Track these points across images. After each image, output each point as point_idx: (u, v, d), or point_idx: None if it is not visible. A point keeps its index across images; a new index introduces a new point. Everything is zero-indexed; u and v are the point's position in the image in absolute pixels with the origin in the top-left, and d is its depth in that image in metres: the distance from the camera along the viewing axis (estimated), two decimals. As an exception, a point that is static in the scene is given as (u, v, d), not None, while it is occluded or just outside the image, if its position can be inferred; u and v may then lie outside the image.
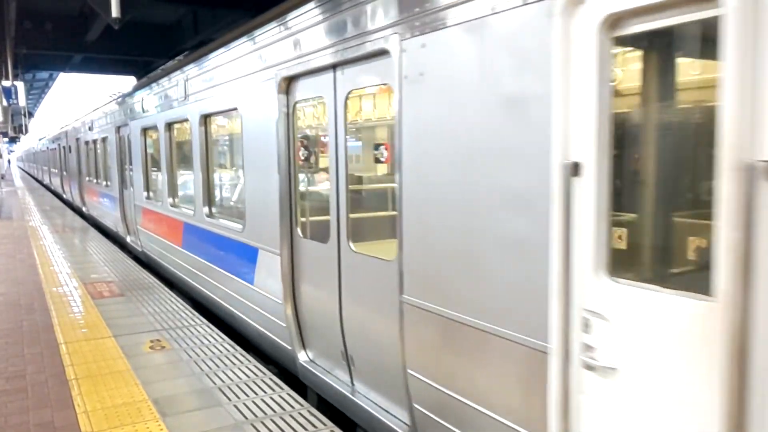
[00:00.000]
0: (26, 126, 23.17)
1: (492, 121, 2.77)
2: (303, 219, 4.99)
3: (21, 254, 10.66)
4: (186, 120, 7.63)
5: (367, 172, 5.17)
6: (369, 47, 3.70)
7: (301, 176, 5.02)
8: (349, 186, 4.24)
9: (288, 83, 4.84)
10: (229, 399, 4.36)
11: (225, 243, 6.45)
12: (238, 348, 5.48)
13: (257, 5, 11.37)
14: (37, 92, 43.79)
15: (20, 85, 20.88)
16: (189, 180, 8.18)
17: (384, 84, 3.82)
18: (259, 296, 5.57)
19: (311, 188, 5.08)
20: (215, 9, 14.22)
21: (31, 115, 28.23)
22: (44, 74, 32.22)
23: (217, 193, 7.52)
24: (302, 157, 4.88)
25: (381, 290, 3.86)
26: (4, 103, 20.89)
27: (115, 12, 7.18)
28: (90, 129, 15.94)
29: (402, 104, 3.41)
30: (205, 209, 7.15)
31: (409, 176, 3.40)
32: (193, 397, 4.40)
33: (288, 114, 4.87)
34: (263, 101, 5.18)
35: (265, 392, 4.47)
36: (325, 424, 3.96)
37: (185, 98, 7.55)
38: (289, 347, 5.09)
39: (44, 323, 6.33)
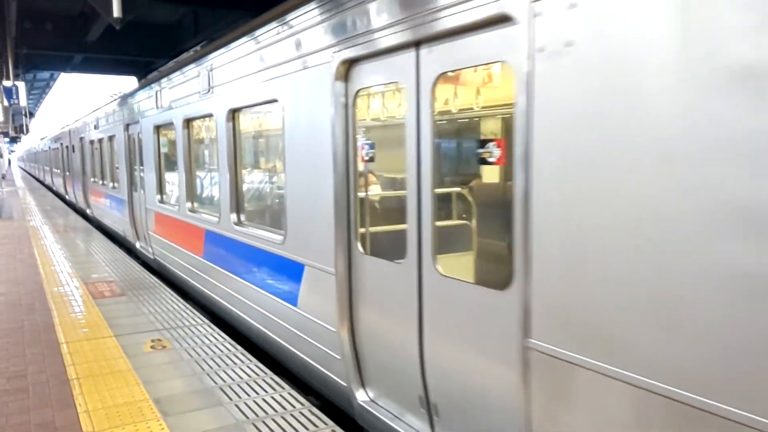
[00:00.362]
0: (27, 126, 23.21)
1: (711, 105, 1.98)
2: (364, 230, 4.19)
3: (22, 254, 10.66)
4: (209, 115, 6.82)
5: (456, 174, 4.09)
6: (473, 15, 2.89)
7: (361, 179, 4.23)
8: (436, 190, 3.37)
9: (348, 68, 4.03)
10: (230, 398, 4.36)
11: (259, 256, 5.63)
12: (239, 347, 5.48)
13: (257, 5, 11.39)
14: (37, 92, 43.85)
15: (21, 85, 20.94)
16: (212, 182, 7.55)
17: (497, 62, 2.96)
18: (305, 321, 4.79)
19: (378, 193, 4.43)
20: (215, 9, 14.24)
21: (31, 115, 28.24)
22: (45, 74, 32.27)
23: (248, 197, 6.65)
24: (366, 156, 4.06)
25: (487, 329, 3.04)
26: (5, 103, 20.95)
27: (116, 12, 7.17)
28: (96, 127, 15.13)
29: (533, 87, 2.61)
30: (233, 216, 6.29)
31: (548, 180, 2.58)
32: (194, 397, 4.40)
33: (347, 105, 4.06)
34: (313, 90, 4.42)
35: (266, 392, 4.47)
36: (326, 424, 3.95)
37: (209, 91, 6.70)
38: (344, 383, 4.32)
39: (45, 323, 6.34)
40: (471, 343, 3.18)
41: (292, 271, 4.94)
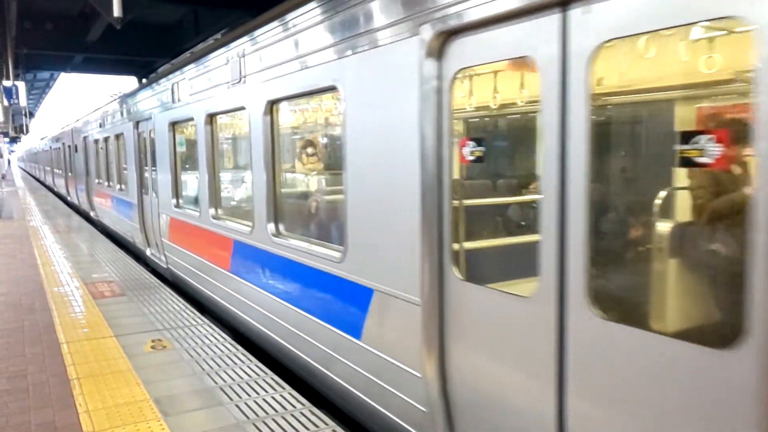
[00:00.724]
0: (27, 126, 23.22)
1: None
2: (460, 246, 3.30)
3: (22, 254, 10.66)
4: (240, 109, 5.88)
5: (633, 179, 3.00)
6: None
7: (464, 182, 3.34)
8: (591, 193, 2.46)
9: (443, 42, 3.14)
10: (231, 398, 4.36)
11: (305, 274, 4.77)
12: (239, 348, 5.48)
13: (258, 5, 11.37)
14: (38, 92, 43.85)
15: (21, 85, 20.96)
16: (242, 186, 6.88)
17: (727, 17, 2.01)
18: (372, 358, 3.92)
19: (487, 201, 3.59)
20: (216, 9, 14.24)
21: (32, 115, 28.23)
22: (45, 74, 32.27)
23: (288, 204, 5.72)
24: (471, 155, 3.18)
25: (695, 405, 2.12)
26: (5, 103, 20.96)
27: (116, 12, 7.18)
28: (101, 125, 14.17)
29: None
30: (270, 226, 5.36)
31: None
32: (195, 397, 4.39)
33: (440, 90, 3.17)
34: (388, 72, 3.54)
35: (266, 392, 4.47)
36: (326, 424, 3.95)
37: (240, 80, 5.78)
38: None
39: (45, 323, 6.33)
40: (651, 418, 2.26)
41: (354, 296, 4.07)
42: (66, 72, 24.03)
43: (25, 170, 69.20)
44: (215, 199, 6.98)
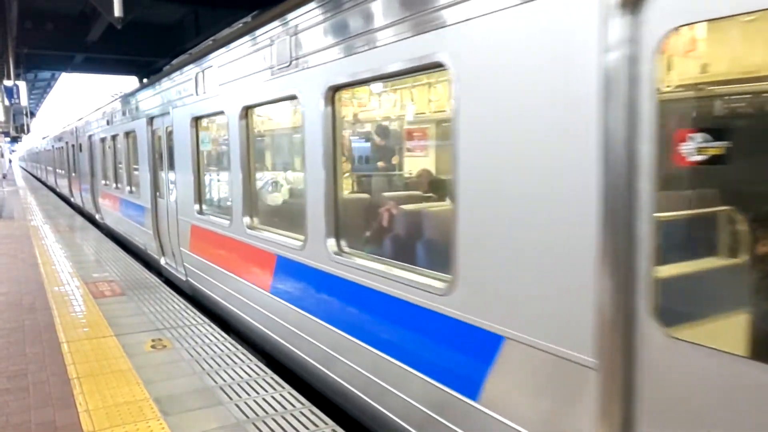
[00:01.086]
0: (28, 126, 23.25)
1: None
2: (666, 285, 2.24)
3: (23, 254, 10.67)
4: (291, 98, 4.97)
5: None
6: None
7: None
8: None
9: None
10: (231, 398, 4.36)
11: (385, 305, 3.79)
12: (239, 347, 5.49)
13: (259, 5, 11.38)
14: (39, 92, 43.88)
15: (22, 85, 21.00)
16: (288, 191, 6.09)
17: None
18: (496, 427, 2.97)
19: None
20: (216, 9, 14.25)
21: (33, 114, 28.30)
22: (46, 74, 32.29)
23: (355, 215, 4.80)
24: (699, 154, 2.14)
25: None
26: (6, 102, 21.00)
27: (117, 11, 7.18)
28: (108, 123, 13.21)
29: None
30: (331, 242, 4.39)
31: None
32: (195, 396, 4.40)
33: (637, 58, 2.22)
34: (537, 39, 2.58)
35: (266, 391, 4.47)
36: (326, 423, 3.96)
37: (290, 64, 4.83)
38: None
39: (46, 322, 6.34)
40: None
41: (469, 342, 3.11)
42: (67, 72, 24.03)
43: (26, 170, 69.27)
44: (251, 205, 5.96)
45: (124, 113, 11.68)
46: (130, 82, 23.56)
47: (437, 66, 3.25)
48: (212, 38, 7.53)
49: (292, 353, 5.10)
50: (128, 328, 6.11)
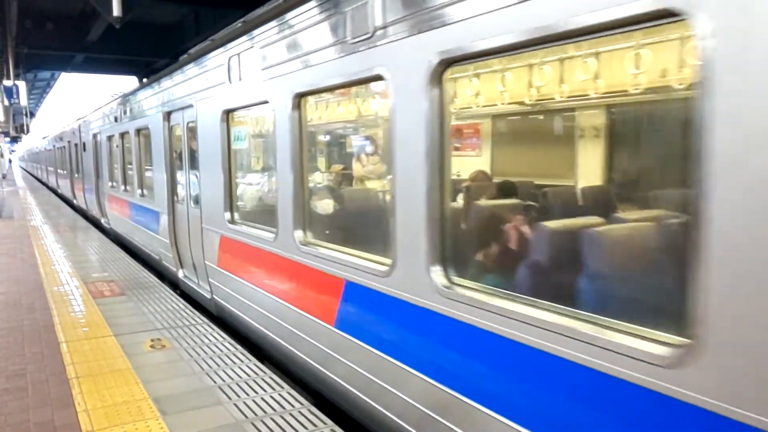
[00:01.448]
0: (28, 126, 23.27)
1: None
2: None
3: (22, 253, 10.67)
4: (372, 80, 3.84)
5: None
6: None
7: None
8: None
9: None
10: (230, 398, 4.36)
11: (534, 362, 2.68)
12: (238, 347, 5.48)
13: (259, 5, 11.38)
14: (38, 92, 43.95)
15: (22, 85, 21.04)
16: (364, 201, 5.21)
17: None
18: None
19: None
20: (216, 9, 14.28)
21: (32, 114, 28.29)
22: (46, 74, 32.36)
23: (476, 232, 3.78)
24: None
25: None
26: (6, 102, 21.00)
27: (116, 11, 7.19)
28: (117, 120, 12.02)
29: None
30: (436, 271, 3.26)
31: None
32: (194, 396, 4.39)
33: None
34: None
35: (265, 391, 4.47)
36: (325, 423, 3.95)
37: (372, 36, 3.64)
38: None
39: (45, 322, 6.34)
40: None
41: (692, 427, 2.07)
42: (66, 71, 24.09)
43: (26, 170, 69.28)
44: (304, 216, 4.85)
45: (134, 108, 10.61)
46: (130, 82, 23.58)
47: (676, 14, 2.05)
48: (242, 20, 6.04)
49: (362, 402, 4.05)
50: (127, 327, 6.10)
